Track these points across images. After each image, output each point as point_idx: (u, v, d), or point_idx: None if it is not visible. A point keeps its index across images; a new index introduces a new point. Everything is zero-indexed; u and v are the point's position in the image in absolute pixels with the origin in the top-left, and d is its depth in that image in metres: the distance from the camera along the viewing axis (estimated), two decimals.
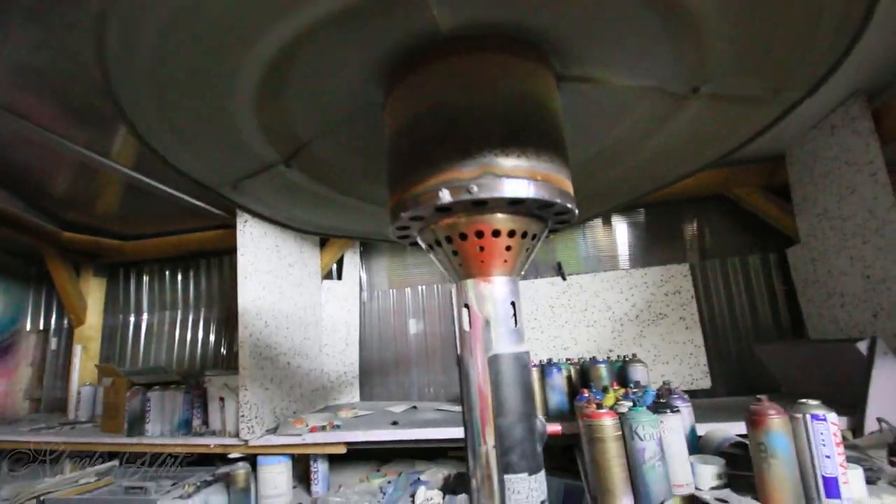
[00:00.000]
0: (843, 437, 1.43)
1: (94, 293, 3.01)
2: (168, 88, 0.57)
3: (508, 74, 0.59)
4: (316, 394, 2.35)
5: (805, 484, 0.99)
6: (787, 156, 2.18)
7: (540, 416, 0.61)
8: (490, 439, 0.56)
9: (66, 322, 3.20)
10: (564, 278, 2.47)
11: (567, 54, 0.61)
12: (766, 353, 2.01)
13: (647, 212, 2.55)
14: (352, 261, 2.75)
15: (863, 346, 1.50)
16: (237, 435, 1.88)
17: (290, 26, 0.51)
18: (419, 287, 2.68)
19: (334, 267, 2.75)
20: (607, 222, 2.58)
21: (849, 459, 1.12)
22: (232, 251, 2.96)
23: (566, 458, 1.72)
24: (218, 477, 2.14)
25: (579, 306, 2.41)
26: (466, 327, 0.61)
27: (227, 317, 3.01)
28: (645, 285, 2.38)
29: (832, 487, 0.96)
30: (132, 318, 3.13)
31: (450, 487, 1.78)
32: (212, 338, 3.01)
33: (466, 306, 0.61)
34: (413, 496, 1.78)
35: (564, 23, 0.56)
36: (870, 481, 1.08)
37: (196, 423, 2.10)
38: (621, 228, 2.57)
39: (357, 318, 2.69)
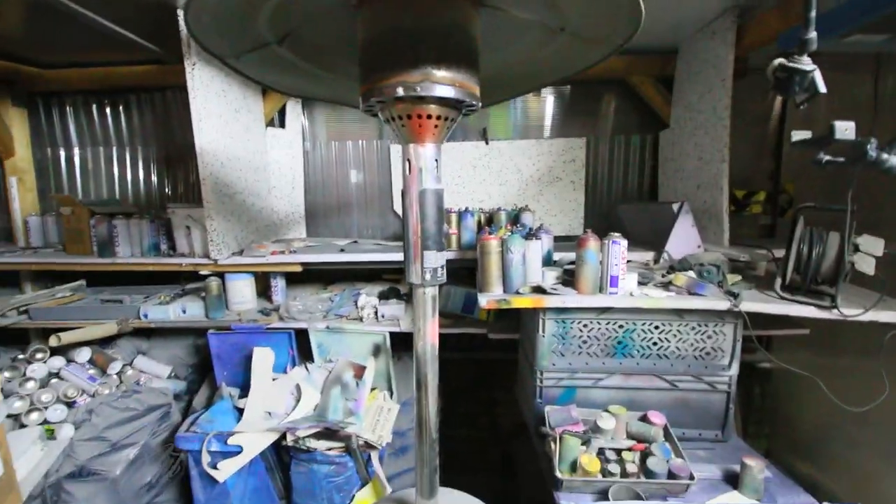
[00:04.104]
0: (645, 264, 2.19)
1: (16, 124, 2.89)
2: None
3: (445, 7, 0.91)
4: (268, 228, 2.75)
5: (601, 279, 1.67)
6: (679, 51, 2.59)
7: (445, 226, 1.10)
8: (418, 233, 1.04)
9: None
10: (487, 143, 2.89)
11: None
12: (623, 210, 2.72)
13: (571, 89, 2.93)
14: (294, 110, 2.90)
15: (675, 207, 2.18)
16: (207, 256, 2.27)
17: None
18: (360, 141, 2.97)
19: (276, 115, 2.89)
20: (538, 94, 2.92)
21: (640, 275, 1.83)
22: (165, 88, 2.96)
23: (471, 278, 2.38)
24: (188, 290, 2.60)
25: (496, 168, 2.90)
26: (408, 173, 1.03)
27: (166, 156, 3.10)
28: (550, 154, 2.89)
29: (615, 281, 1.64)
30: (62, 153, 3.09)
31: (384, 295, 2.40)
32: (154, 178, 3.14)
33: (409, 160, 1.02)
34: (356, 301, 2.40)
35: None
36: (642, 283, 1.80)
37: (163, 247, 2.43)
38: (549, 101, 2.95)
39: (301, 165, 2.97)
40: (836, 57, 2.07)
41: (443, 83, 0.92)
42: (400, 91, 0.90)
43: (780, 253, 1.91)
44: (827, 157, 0.98)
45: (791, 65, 0.86)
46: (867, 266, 1.52)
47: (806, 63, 0.85)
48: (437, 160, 1.03)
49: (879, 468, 1.85)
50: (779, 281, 1.67)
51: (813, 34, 0.83)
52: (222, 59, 1.05)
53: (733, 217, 2.27)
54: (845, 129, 0.89)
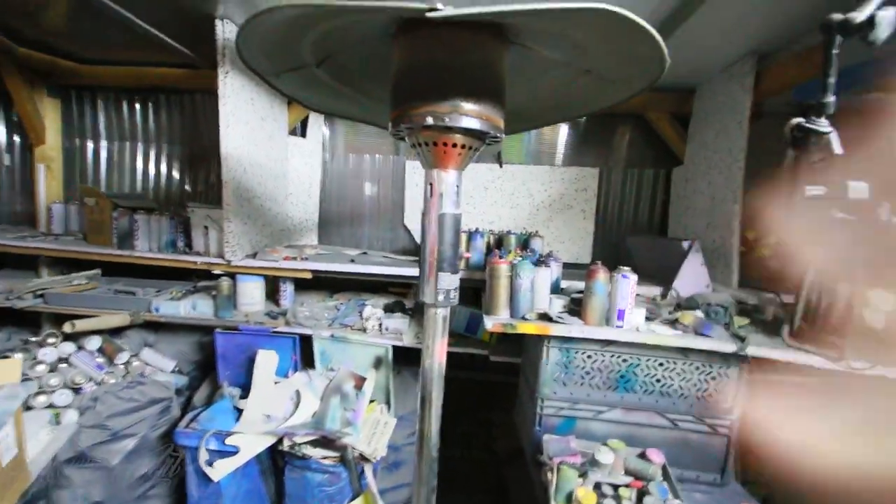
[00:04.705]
0: (653, 299, 2.20)
1: (49, 114, 3.00)
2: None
3: (476, 46, 0.95)
4: (282, 233, 2.80)
5: (609, 312, 1.68)
6: (696, 90, 2.64)
7: (461, 248, 1.13)
8: (434, 254, 1.07)
9: (17, 140, 3.20)
10: (501, 166, 2.94)
11: (517, 36, 0.98)
12: (632, 242, 2.74)
13: (586, 119, 2.98)
14: (316, 121, 2.98)
15: (685, 245, 2.19)
16: (221, 256, 2.32)
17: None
18: (376, 155, 3.03)
19: (298, 125, 2.97)
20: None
21: (647, 311, 1.84)
22: (195, 91, 3.06)
23: (476, 299, 2.40)
24: (199, 288, 2.64)
25: (508, 190, 2.94)
26: (429, 196, 1.07)
27: (190, 155, 3.19)
28: (562, 181, 2.93)
29: (622, 315, 1.66)
30: (90, 144, 3.19)
31: (389, 308, 2.42)
32: (175, 174, 3.22)
33: (431, 184, 1.06)
34: (361, 312, 2.42)
35: (522, 25, 0.92)
36: (649, 318, 1.81)
37: (180, 245, 2.49)
38: (564, 130, 3.00)
39: (319, 175, 3.03)
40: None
41: (469, 115, 0.96)
42: (429, 120, 0.94)
43: (788, 298, 1.92)
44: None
45: (808, 125, 0.89)
46: (877, 320, 1.52)
47: (822, 125, 0.88)
48: (458, 186, 1.06)
49: None
50: (786, 328, 1.68)
51: (831, 98, 0.86)
52: (263, 77, 1.10)
53: (742, 258, 2.28)
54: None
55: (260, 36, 0.90)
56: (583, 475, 1.51)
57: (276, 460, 1.99)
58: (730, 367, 1.69)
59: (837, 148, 0.87)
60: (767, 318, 2.03)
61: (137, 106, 3.16)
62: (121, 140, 3.19)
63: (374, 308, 2.39)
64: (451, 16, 0.75)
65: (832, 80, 0.85)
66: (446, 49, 0.93)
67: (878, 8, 0.79)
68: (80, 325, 2.16)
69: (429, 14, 0.74)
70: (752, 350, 1.60)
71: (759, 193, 2.63)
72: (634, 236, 2.85)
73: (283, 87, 1.14)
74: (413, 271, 2.31)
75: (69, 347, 2.19)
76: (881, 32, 0.79)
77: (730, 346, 1.61)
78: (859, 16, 0.79)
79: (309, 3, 0.77)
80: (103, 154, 3.21)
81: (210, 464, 1.84)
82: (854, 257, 1.36)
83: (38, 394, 1.91)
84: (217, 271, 2.37)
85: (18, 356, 2.02)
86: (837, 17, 0.83)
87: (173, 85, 2.98)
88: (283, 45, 0.97)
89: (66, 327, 2.13)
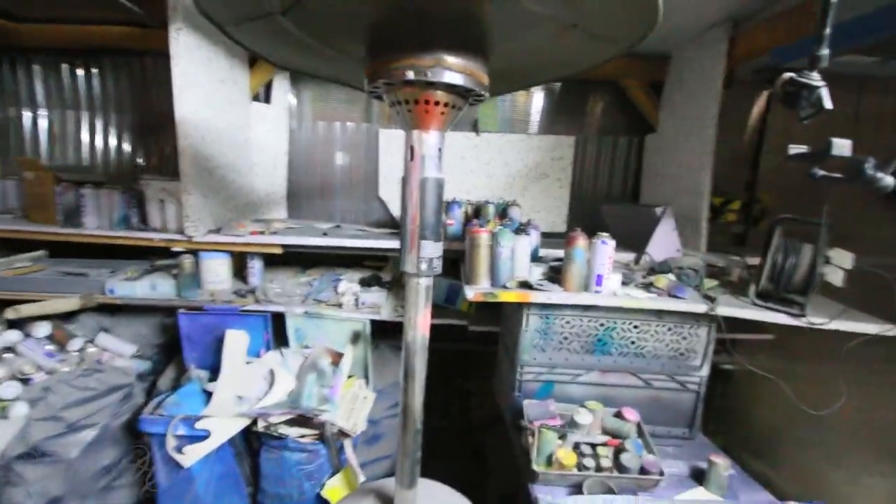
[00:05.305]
0: (627, 264, 2.24)
1: None
2: None
3: None
4: (248, 207, 2.66)
5: (588, 278, 1.69)
6: (671, 58, 2.63)
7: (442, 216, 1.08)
8: (416, 221, 1.02)
9: None
10: (478, 134, 2.87)
11: None
12: (606, 210, 2.76)
13: (561, 87, 2.93)
14: (281, 86, 2.80)
15: (658, 211, 2.23)
16: (181, 232, 2.18)
17: None
18: (347, 123, 2.89)
19: (262, 90, 2.78)
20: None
21: (623, 276, 1.86)
22: (144, 53, 2.80)
23: (454, 269, 2.37)
24: (158, 267, 2.49)
25: (484, 159, 2.89)
26: (409, 160, 1.01)
27: (140, 124, 2.95)
28: (538, 149, 2.90)
29: (600, 280, 1.67)
30: (27, 114, 2.89)
31: (365, 282, 2.36)
32: (126, 146, 2.98)
33: (412, 147, 1.00)
34: (336, 287, 2.35)
35: None
36: (624, 283, 1.83)
37: (133, 221, 2.31)
38: (538, 97, 2.95)
39: (286, 144, 2.87)
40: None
41: (453, 70, 0.89)
42: (410, 74, 0.88)
43: (753, 261, 1.98)
44: (822, 172, 1.02)
45: (801, 80, 0.88)
46: (837, 278, 1.59)
47: (815, 79, 0.87)
48: (440, 149, 1.01)
49: (828, 469, 1.96)
50: (753, 288, 1.74)
51: (825, 51, 0.85)
52: (222, 28, 0.99)
53: (708, 224, 2.34)
54: (842, 147, 0.92)
55: None
56: (562, 437, 1.55)
57: (252, 442, 1.94)
58: (700, 326, 1.75)
59: (828, 102, 0.87)
60: (734, 280, 2.10)
61: (80, 71, 2.87)
62: (62, 108, 2.90)
63: (349, 283, 2.32)
64: None
65: (827, 31, 0.84)
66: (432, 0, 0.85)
67: None
68: (25, 310, 2.00)
69: None
70: (721, 310, 1.65)
71: (724, 158, 2.69)
72: (609, 204, 2.88)
73: (244, 39, 1.03)
74: (390, 243, 2.24)
75: (15, 335, 2.01)
76: None
77: (701, 307, 1.66)
78: None
79: None
80: (43, 124, 2.92)
81: (179, 450, 1.77)
82: (818, 215, 1.41)
83: None
84: (177, 248, 2.23)
85: None
86: None
87: (120, 45, 2.70)
88: None
89: (9, 313, 1.97)
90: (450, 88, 0.92)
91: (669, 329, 1.76)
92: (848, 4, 1.27)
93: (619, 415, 1.69)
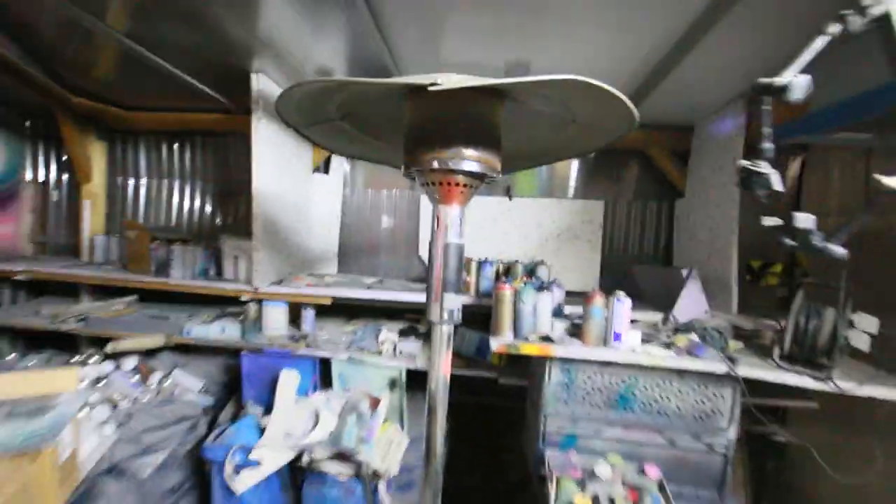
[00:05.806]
0: (654, 324, 2.30)
1: (96, 155, 3.33)
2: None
3: (474, 103, 1.14)
4: (304, 263, 3.00)
5: (606, 333, 1.80)
6: (694, 128, 2.81)
7: (463, 273, 1.28)
8: (440, 278, 1.23)
9: (65, 177, 3.54)
10: (511, 199, 3.12)
11: (510, 94, 1.17)
12: (637, 271, 2.85)
13: (594, 155, 3.16)
14: (338, 159, 3.23)
15: (685, 272, 2.31)
16: (249, 283, 2.52)
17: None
18: (393, 190, 3.26)
19: (322, 163, 3.22)
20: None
21: (646, 335, 1.95)
22: (228, 135, 3.36)
23: (485, 324, 2.52)
24: (227, 313, 2.83)
25: (517, 222, 3.11)
26: (436, 228, 1.24)
27: (221, 192, 3.47)
28: (570, 213, 3.09)
29: (618, 336, 1.77)
30: (132, 182, 3.51)
31: (403, 333, 2.56)
32: (207, 209, 3.50)
33: (437, 218, 1.23)
34: (377, 336, 2.57)
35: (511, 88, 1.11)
36: (647, 341, 1.91)
37: (211, 272, 2.70)
38: (574, 164, 3.19)
39: (339, 208, 3.26)
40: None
41: (469, 159, 1.14)
42: (435, 164, 1.13)
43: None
44: (790, 242, 1.13)
45: (751, 168, 1.04)
46: (862, 343, 1.60)
47: (764, 167, 1.03)
48: (460, 219, 1.23)
49: None
50: (777, 350, 1.76)
51: (769, 145, 1.01)
52: (296, 129, 1.31)
53: (750, 287, 2.36)
54: (805, 220, 1.04)
55: (295, 99, 1.11)
56: (582, 488, 1.59)
57: (295, 476, 2.10)
58: (724, 387, 1.77)
59: (778, 185, 1.01)
60: (765, 344, 2.10)
61: (175, 147, 3.48)
62: (159, 178, 3.49)
63: (389, 332, 2.53)
64: (448, 89, 0.94)
65: (767, 129, 1.01)
66: (449, 106, 1.12)
67: (794, 76, 0.96)
68: (121, 345, 2.36)
69: (430, 87, 0.93)
70: (742, 371, 1.68)
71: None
72: (640, 266, 2.97)
73: (313, 135, 1.34)
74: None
75: (108, 367, 2.38)
76: (795, 94, 0.97)
77: (721, 367, 1.70)
78: (780, 81, 0.97)
79: (336, 79, 0.97)
80: (143, 191, 3.51)
81: (234, 477, 1.97)
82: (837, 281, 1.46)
83: (81, 407, 2.08)
84: (245, 297, 2.57)
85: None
86: (764, 80, 1.00)
87: (208, 128, 3.28)
88: (313, 105, 1.18)
89: (109, 348, 2.33)
90: (467, 173, 1.16)
91: (693, 389, 1.80)
92: (841, 85, 1.44)
93: (641, 471, 1.71)
